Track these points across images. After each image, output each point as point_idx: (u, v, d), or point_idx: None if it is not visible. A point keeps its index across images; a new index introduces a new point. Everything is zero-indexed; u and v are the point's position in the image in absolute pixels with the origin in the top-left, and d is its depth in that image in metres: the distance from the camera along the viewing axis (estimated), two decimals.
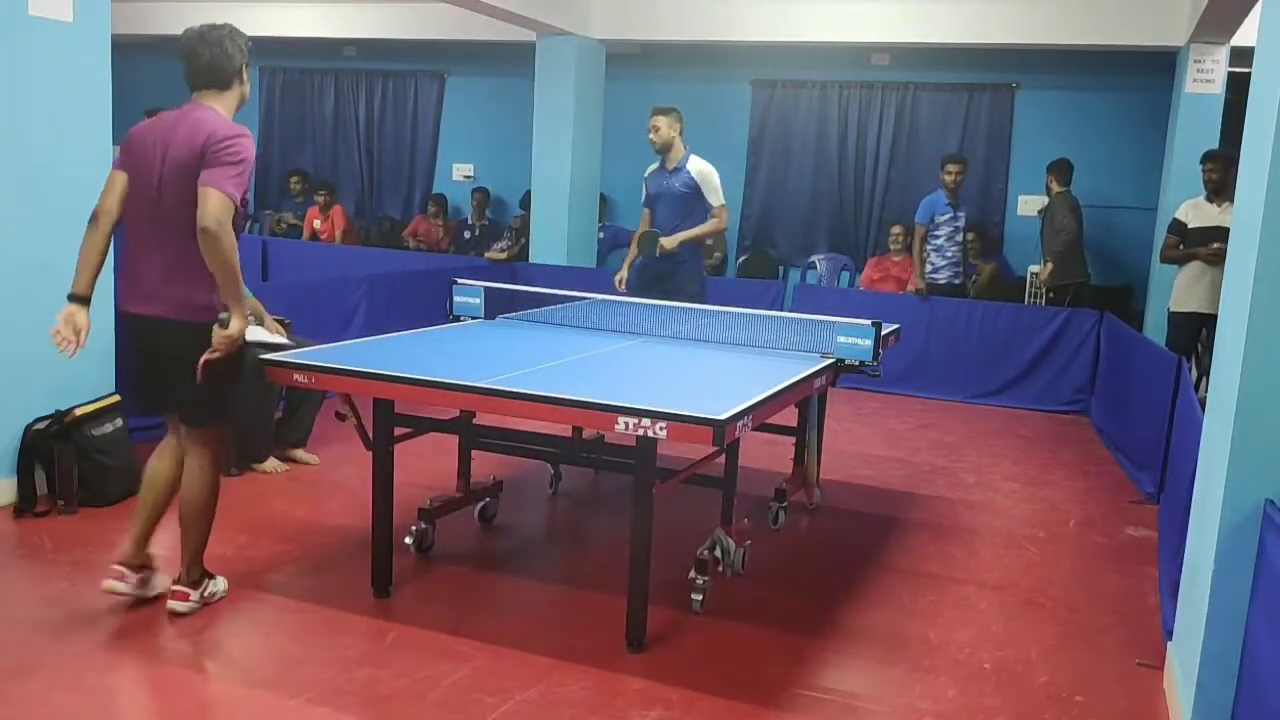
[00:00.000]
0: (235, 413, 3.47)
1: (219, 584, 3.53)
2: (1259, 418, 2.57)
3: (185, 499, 3.38)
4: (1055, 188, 7.97)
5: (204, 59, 3.26)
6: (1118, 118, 9.10)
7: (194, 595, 3.40)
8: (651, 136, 5.65)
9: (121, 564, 3.40)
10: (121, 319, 3.44)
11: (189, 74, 3.30)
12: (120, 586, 3.37)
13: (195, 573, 3.41)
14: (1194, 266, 6.36)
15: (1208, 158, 6.48)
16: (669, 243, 5.57)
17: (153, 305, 3.26)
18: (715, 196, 5.64)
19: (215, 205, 3.04)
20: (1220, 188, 6.33)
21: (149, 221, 3.25)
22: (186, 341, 3.20)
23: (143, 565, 3.42)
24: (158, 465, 3.45)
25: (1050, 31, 8.06)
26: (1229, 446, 2.61)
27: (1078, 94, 9.22)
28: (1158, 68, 8.36)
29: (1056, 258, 7.77)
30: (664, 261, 5.63)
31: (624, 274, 5.86)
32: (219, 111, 3.26)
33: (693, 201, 5.64)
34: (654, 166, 5.82)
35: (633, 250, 5.82)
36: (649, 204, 5.85)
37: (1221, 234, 6.13)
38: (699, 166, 5.64)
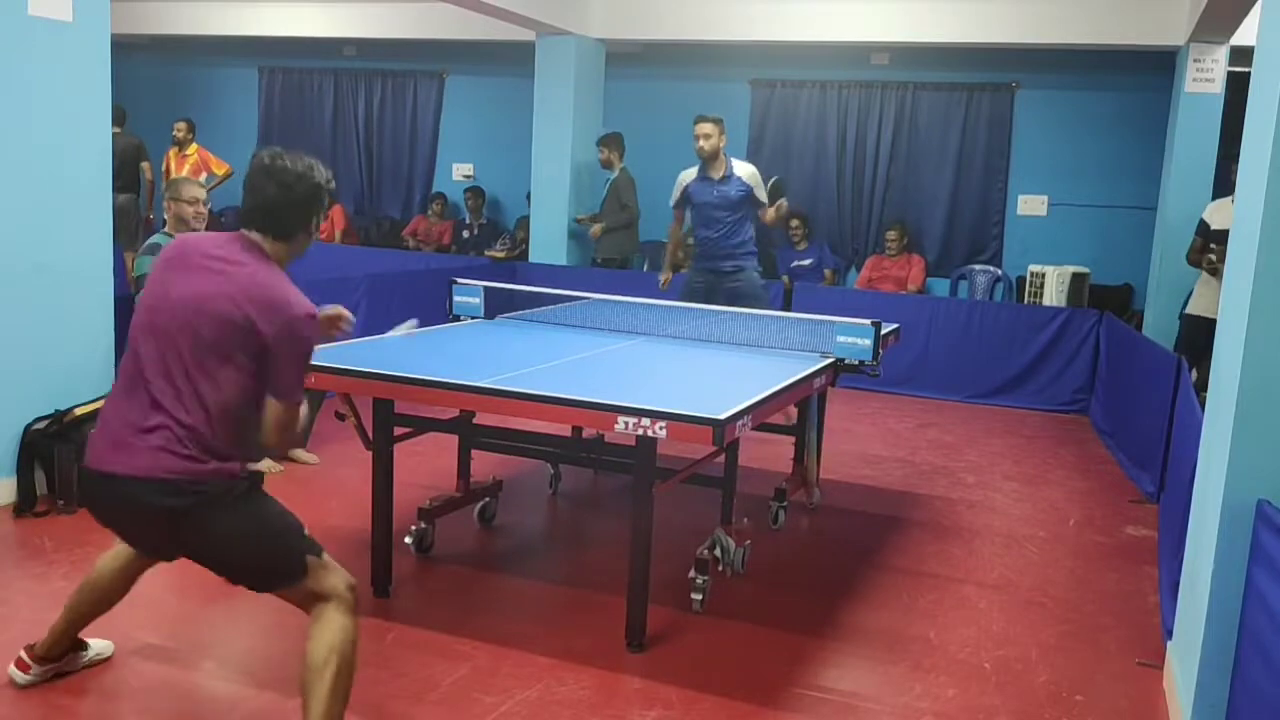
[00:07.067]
0: None
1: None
2: (1258, 418, 2.57)
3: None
4: (617, 163, 8.33)
5: (267, 195, 2.54)
6: (1118, 117, 9.09)
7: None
8: (702, 144, 5.62)
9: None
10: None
11: (245, 207, 2.59)
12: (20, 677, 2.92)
13: None
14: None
15: None
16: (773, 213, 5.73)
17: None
18: (765, 195, 5.77)
19: (278, 417, 2.53)
20: None
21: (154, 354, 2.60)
22: None
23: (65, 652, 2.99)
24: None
25: (1050, 31, 8.05)
26: (1228, 446, 2.61)
27: (1078, 94, 9.21)
28: (1157, 67, 8.36)
29: (611, 230, 8.30)
30: (723, 270, 5.74)
31: (667, 275, 5.91)
32: (281, 271, 2.56)
33: (746, 206, 5.73)
34: (692, 175, 5.82)
35: (671, 253, 5.87)
36: (690, 210, 5.90)
37: None
38: (747, 170, 5.70)
